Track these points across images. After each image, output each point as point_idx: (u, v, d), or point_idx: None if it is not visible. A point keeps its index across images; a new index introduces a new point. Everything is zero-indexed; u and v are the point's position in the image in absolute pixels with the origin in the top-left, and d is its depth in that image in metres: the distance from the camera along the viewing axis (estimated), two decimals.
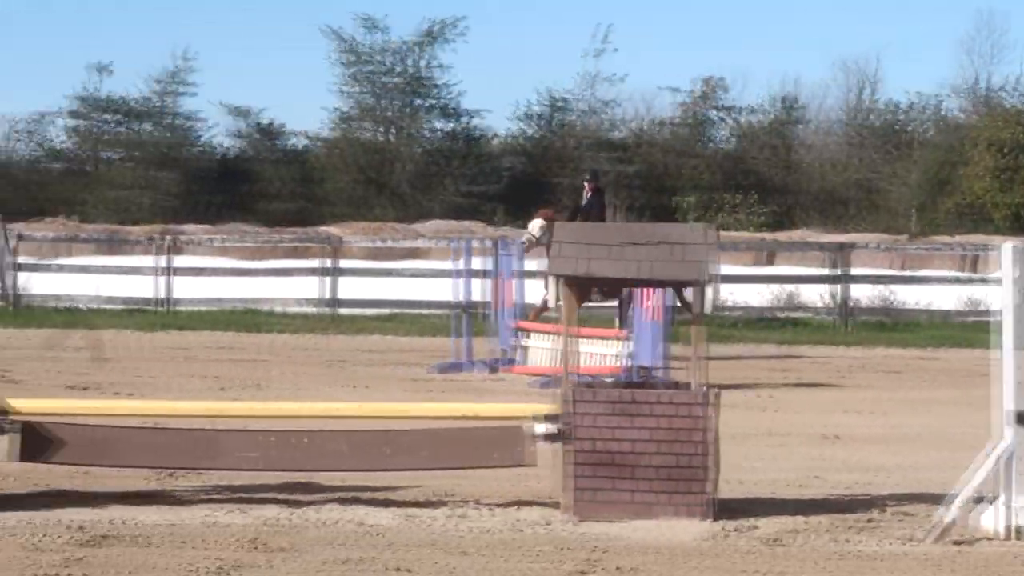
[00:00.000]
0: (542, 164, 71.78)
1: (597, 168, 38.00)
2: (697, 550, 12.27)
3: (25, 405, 14.52)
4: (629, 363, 23.96)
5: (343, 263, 44.51)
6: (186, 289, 42.74)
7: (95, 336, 19.44)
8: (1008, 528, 12.77)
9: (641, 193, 67.56)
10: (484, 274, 34.04)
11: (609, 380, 20.36)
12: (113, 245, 49.48)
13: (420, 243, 49.90)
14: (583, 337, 22.74)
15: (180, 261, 43.94)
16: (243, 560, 11.59)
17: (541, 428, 13.69)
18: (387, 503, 13.96)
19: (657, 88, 78.14)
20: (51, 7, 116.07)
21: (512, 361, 28.22)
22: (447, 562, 11.68)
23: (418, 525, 13.15)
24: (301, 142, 75.05)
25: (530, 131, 75.37)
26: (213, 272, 43.01)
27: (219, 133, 78.19)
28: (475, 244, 36.35)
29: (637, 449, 13.35)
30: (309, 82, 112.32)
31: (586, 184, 32.41)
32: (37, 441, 13.98)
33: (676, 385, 14.77)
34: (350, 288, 43.08)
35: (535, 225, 29.62)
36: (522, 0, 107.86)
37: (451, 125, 73.83)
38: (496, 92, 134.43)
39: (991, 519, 12.93)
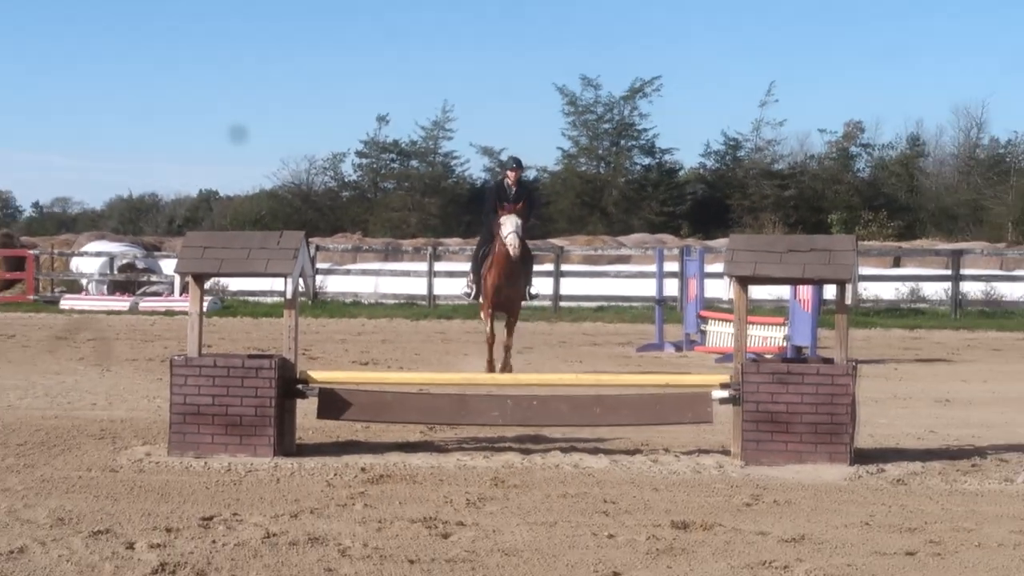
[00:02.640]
0: (719, 190, 71.82)
1: (519, 158, 23.56)
2: (837, 488, 12.20)
3: (322, 375, 14.79)
4: (787, 344, 23.87)
5: (565, 267, 44.73)
6: (445, 287, 43.05)
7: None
8: None
9: (795, 211, 67.50)
10: (674, 275, 34.00)
11: (770, 357, 20.27)
12: (390, 254, 49.97)
13: (624, 251, 49.98)
14: (753, 323, 22.69)
15: (440, 266, 44.27)
16: (486, 494, 11.67)
17: (719, 394, 13.77)
18: (597, 451, 13.99)
19: (810, 130, 78.49)
20: (339, 70, 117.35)
21: (695, 343, 28.21)
22: (643, 496, 11.70)
23: (621, 467, 13.17)
24: (533, 174, 75.36)
25: (710, 164, 75.45)
26: (466, 275, 43.18)
27: (471, 167, 79.02)
28: (667, 252, 36.34)
29: (792, 410, 13.32)
30: (540, 127, 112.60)
31: (510, 172, 21.98)
32: (331, 403, 14.22)
33: (824, 360, 14.69)
34: (570, 286, 43.28)
35: (520, 223, 20.65)
36: (704, 62, 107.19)
37: (649, 160, 74.10)
38: (684, 133, 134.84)
39: None
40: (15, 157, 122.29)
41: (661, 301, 31.23)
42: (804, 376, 13.63)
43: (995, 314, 40.00)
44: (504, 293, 20.99)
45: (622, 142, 74.15)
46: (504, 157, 74.57)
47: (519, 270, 20.98)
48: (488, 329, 21.40)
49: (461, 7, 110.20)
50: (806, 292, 23.13)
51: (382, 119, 77.87)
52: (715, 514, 10.92)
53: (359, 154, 78.90)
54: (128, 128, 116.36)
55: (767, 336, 25.29)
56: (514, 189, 21.06)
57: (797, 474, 12.82)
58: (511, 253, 20.35)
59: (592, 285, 43.42)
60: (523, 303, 22.05)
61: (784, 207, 68.02)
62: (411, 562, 9.19)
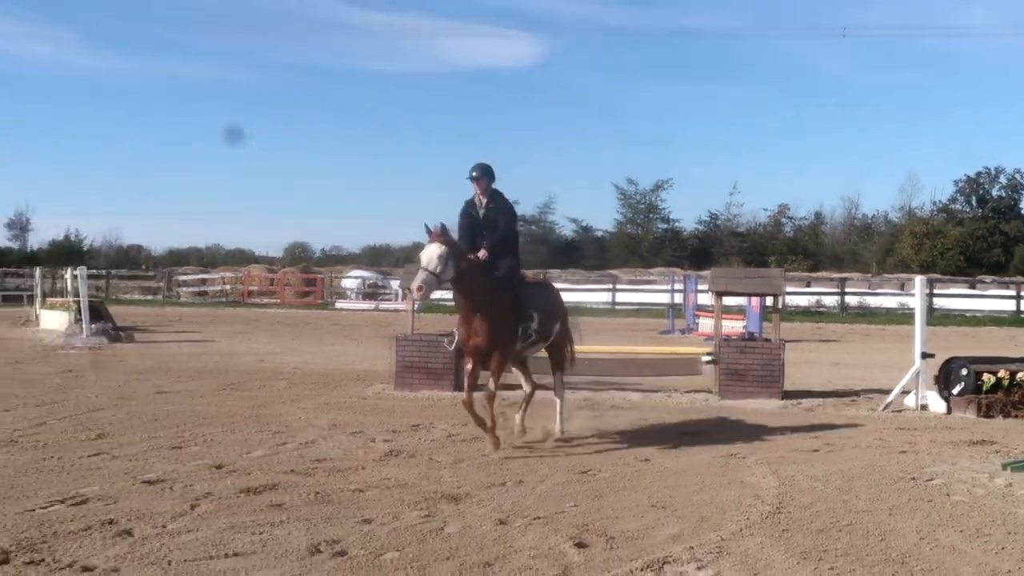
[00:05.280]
0: (705, 243, 71.22)
1: (488, 164, 9.71)
2: (773, 413, 12.04)
3: None
4: (745, 330, 23.63)
5: (619, 286, 44.67)
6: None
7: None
8: (918, 406, 12.41)
9: (749, 255, 66.82)
10: (680, 291, 33.79)
11: (735, 338, 20.09)
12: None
13: (651, 277, 49.83)
14: (725, 319, 22.43)
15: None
16: (573, 414, 11.61)
17: (705, 358, 13.68)
18: (635, 390, 13.88)
19: (758, 208, 78.10)
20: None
21: (692, 329, 27.99)
22: (661, 416, 11.62)
23: (649, 399, 13.10)
24: (600, 234, 75.35)
25: (701, 227, 74.76)
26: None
27: (564, 229, 78.24)
28: (676, 277, 36.14)
29: (747, 368, 13.20)
30: (604, 206, 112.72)
31: (475, 184, 9.68)
32: None
33: (766, 340, 14.53)
34: (621, 297, 43.15)
35: (432, 257, 8.80)
36: (700, 166, 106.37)
37: (665, 226, 73.54)
38: (686, 210, 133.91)
39: (911, 401, 12.57)
40: (315, 223, 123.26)
41: (673, 305, 31.21)
42: (754, 349, 13.55)
43: (865, 315, 39.49)
44: (475, 341, 9.18)
45: (650, 215, 73.69)
46: (584, 223, 74.97)
47: (496, 309, 9.16)
48: (465, 390, 9.37)
49: (560, 136, 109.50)
50: (756, 301, 22.92)
51: (514, 203, 77.88)
52: (704, 426, 10.84)
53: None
54: (373, 201, 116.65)
55: (733, 326, 25.06)
56: (484, 206, 9.73)
57: (751, 405, 12.68)
58: (412, 301, 10.35)
59: (634, 296, 43.32)
60: (518, 348, 9.73)
61: (743, 253, 67.40)
62: (529, 451, 9.19)
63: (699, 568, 5.70)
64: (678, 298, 33.12)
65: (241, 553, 5.86)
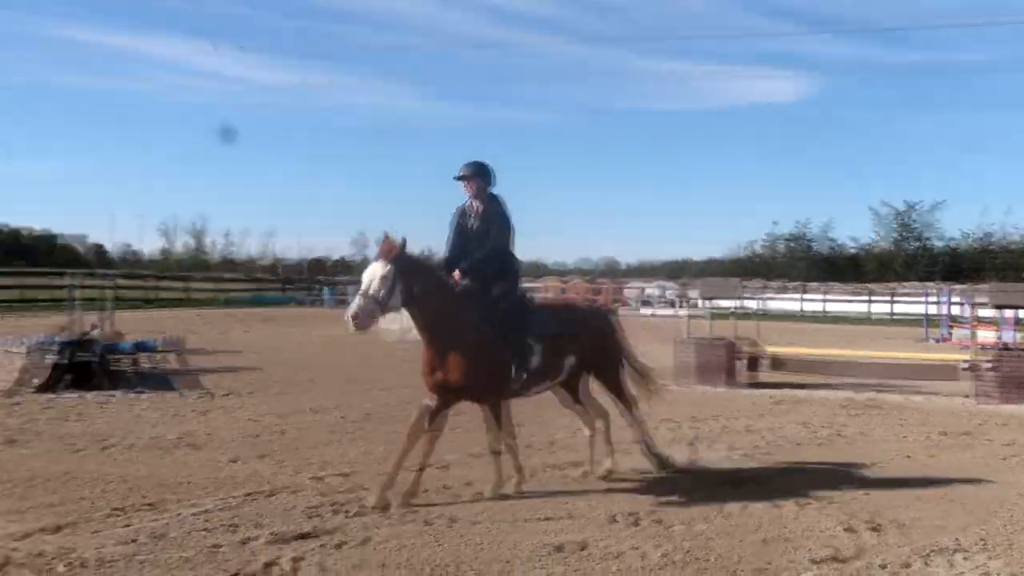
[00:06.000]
0: (957, 258, 65.16)
1: (482, 162, 6.61)
2: None
3: (746, 349, 14.27)
4: (999, 339, 21.87)
5: (873, 297, 42.49)
6: (809, 307, 41.23)
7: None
8: None
9: (1001, 271, 60.90)
10: (934, 303, 31.75)
11: (988, 347, 18.66)
12: (789, 289, 47.98)
13: (905, 289, 46.43)
14: (978, 328, 20.86)
15: (807, 296, 42.38)
16: (836, 412, 11.20)
17: (962, 365, 12.79)
18: (898, 392, 13.16)
19: (1010, 227, 71.49)
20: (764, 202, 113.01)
21: (946, 338, 26.24)
22: (923, 416, 11.00)
23: (908, 402, 12.36)
24: (856, 251, 71.55)
25: (952, 245, 68.99)
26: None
27: (819, 247, 74.99)
28: (929, 291, 34.06)
29: (1004, 374, 12.27)
30: (861, 226, 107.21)
31: (465, 187, 6.61)
32: (753, 362, 14.02)
33: (1021, 349, 13.42)
34: (876, 308, 41.00)
35: (372, 278, 6.11)
36: (943, 190, 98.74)
37: (917, 244, 68.55)
38: (942, 226, 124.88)
39: None
40: (621, 241, 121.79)
41: (927, 316, 29.43)
42: (1009, 356, 12.57)
43: None
44: (439, 377, 6.42)
45: (903, 234, 69.20)
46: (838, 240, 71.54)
47: (472, 341, 6.41)
48: (415, 415, 6.55)
49: (825, 163, 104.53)
50: (1009, 312, 21.11)
51: (775, 223, 75.00)
52: (963, 428, 10.14)
53: (763, 241, 76.54)
54: (670, 223, 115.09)
55: (988, 336, 23.24)
56: (476, 214, 6.70)
57: (1010, 408, 11.72)
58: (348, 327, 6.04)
59: (887, 307, 41.33)
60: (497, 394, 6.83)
61: (995, 269, 61.56)
62: (797, 444, 8.93)
63: (965, 558, 5.36)
64: (931, 309, 31.13)
65: (551, 518, 6.06)
